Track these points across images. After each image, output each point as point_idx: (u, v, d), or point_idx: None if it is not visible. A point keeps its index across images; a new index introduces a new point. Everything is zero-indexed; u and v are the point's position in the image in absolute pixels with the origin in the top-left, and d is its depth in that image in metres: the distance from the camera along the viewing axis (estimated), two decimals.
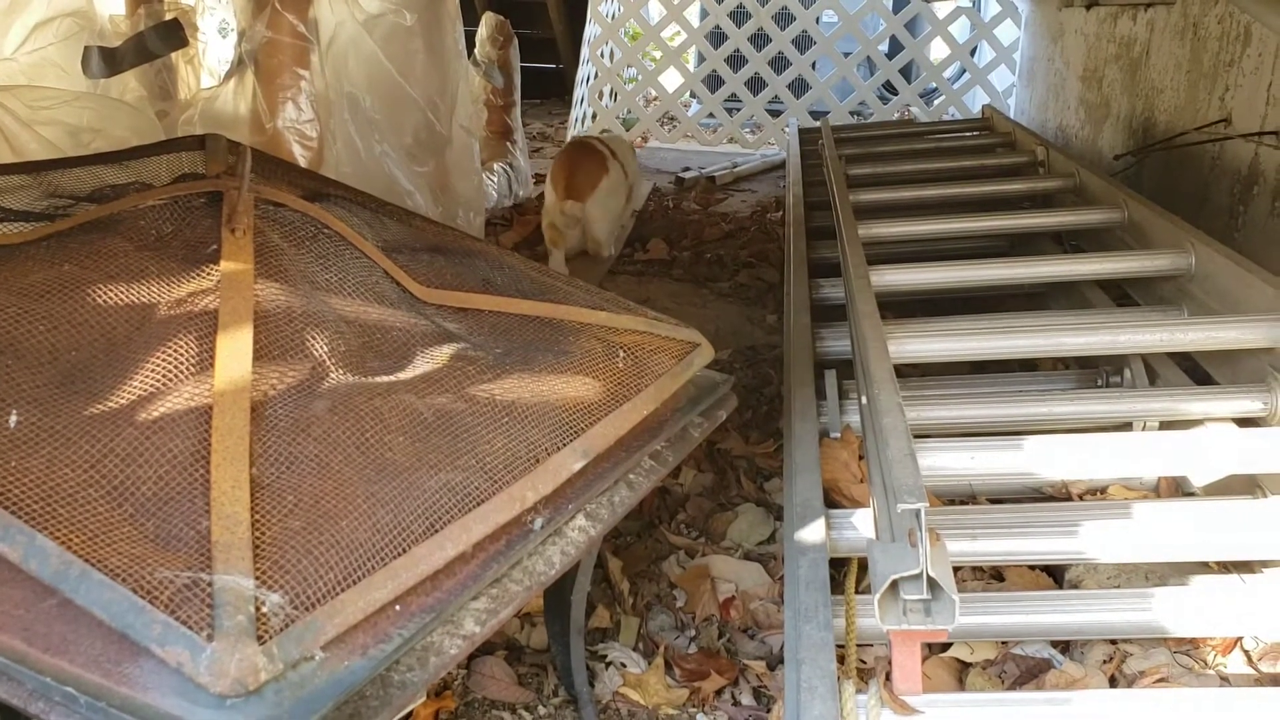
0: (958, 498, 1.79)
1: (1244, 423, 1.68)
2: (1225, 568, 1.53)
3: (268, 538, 0.86)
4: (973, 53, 6.08)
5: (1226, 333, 1.70)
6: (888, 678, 1.16)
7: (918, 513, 1.11)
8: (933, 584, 1.08)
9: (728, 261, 3.68)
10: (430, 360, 1.21)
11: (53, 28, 2.35)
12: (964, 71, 6.16)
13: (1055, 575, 1.65)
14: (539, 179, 4.88)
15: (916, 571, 1.07)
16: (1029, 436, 1.56)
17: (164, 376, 1.02)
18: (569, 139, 4.38)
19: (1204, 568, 1.54)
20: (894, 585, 1.09)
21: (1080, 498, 1.73)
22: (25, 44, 2.33)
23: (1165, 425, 1.79)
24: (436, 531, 0.94)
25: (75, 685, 0.75)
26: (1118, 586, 1.56)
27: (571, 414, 1.17)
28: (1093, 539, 1.41)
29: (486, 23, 4.47)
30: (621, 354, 1.32)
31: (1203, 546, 1.42)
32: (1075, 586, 1.59)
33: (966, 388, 2.08)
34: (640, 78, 6.36)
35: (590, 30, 6.29)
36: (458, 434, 1.08)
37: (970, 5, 5.90)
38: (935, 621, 1.08)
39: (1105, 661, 1.45)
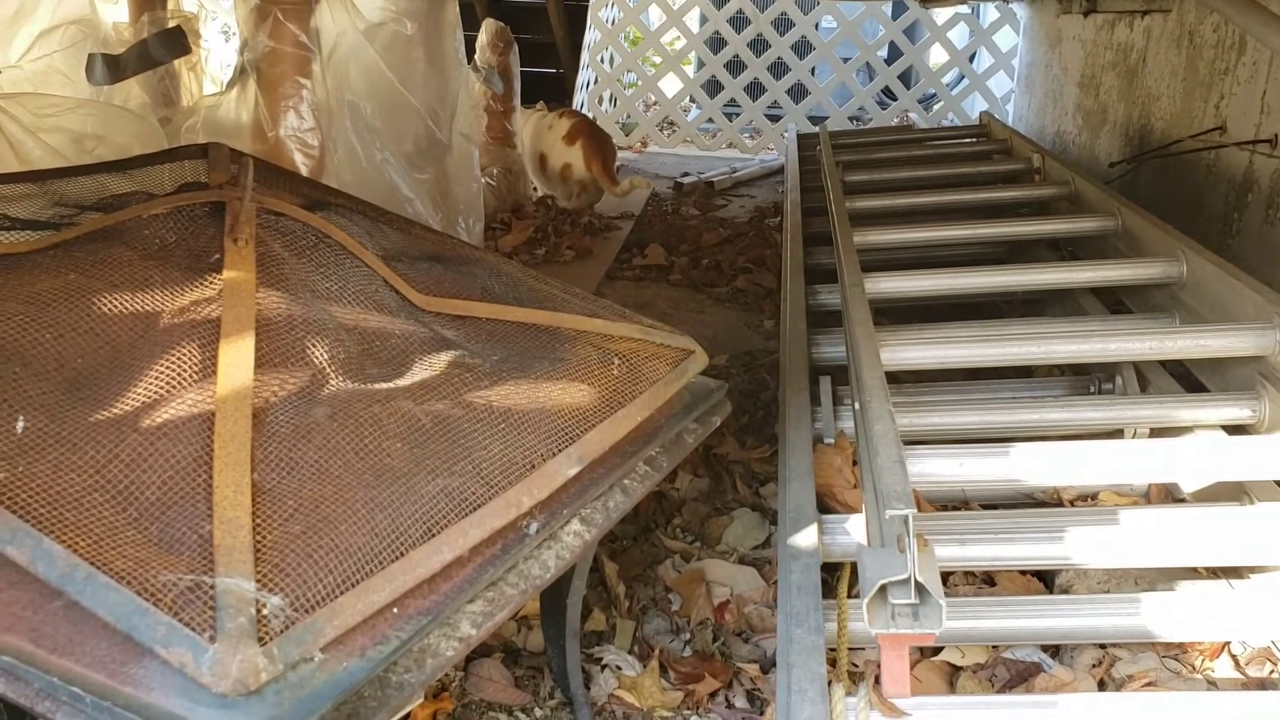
0: (951, 503, 1.80)
1: (1233, 430, 1.70)
2: (1214, 573, 1.55)
3: (268, 541, 0.88)
4: (971, 59, 6.11)
5: (1215, 340, 1.72)
6: (877, 681, 1.18)
7: (905, 519, 1.13)
8: (920, 589, 1.10)
9: (725, 267, 3.69)
10: (428, 367, 1.23)
11: (57, 35, 2.38)
12: (962, 77, 6.18)
13: (1046, 580, 1.66)
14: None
15: (904, 576, 1.09)
16: (1018, 443, 1.58)
17: (168, 383, 1.04)
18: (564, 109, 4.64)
19: (1193, 573, 1.56)
20: (883, 590, 1.11)
21: (1071, 503, 1.75)
22: (30, 52, 2.36)
23: (1156, 432, 1.81)
24: (433, 536, 0.96)
25: (81, 685, 0.77)
26: (1107, 591, 1.57)
27: (567, 420, 1.19)
28: (1082, 544, 1.43)
29: (486, 29, 4.48)
30: (616, 361, 1.33)
31: (1191, 552, 1.44)
32: (1065, 591, 1.61)
33: (960, 394, 2.09)
34: (640, 83, 6.39)
35: (590, 35, 6.31)
36: (455, 440, 1.10)
37: (969, 11, 5.92)
38: (922, 625, 1.10)
39: (1094, 665, 1.47)
